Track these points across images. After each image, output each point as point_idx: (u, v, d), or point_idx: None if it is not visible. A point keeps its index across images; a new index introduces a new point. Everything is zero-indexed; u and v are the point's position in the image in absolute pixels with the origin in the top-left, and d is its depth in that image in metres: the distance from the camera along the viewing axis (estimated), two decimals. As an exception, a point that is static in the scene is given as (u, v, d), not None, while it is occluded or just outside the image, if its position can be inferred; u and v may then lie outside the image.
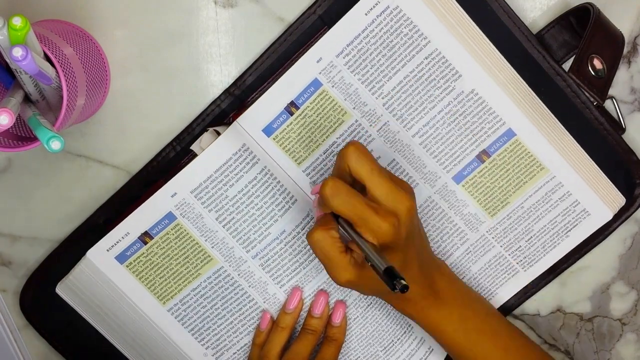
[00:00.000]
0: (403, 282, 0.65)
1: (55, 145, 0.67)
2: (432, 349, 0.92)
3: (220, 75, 0.87)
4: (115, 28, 0.85)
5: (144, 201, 0.85)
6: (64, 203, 0.90)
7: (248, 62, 0.86)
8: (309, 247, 0.86)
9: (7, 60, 0.71)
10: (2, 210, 0.90)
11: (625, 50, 0.86)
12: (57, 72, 0.70)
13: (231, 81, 0.87)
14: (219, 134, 0.84)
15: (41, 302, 0.91)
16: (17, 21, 0.65)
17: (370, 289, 0.78)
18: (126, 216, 0.85)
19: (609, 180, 0.87)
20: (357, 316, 0.89)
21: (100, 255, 0.86)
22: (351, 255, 0.74)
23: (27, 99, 0.77)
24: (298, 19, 0.84)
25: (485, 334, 0.84)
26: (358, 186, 0.74)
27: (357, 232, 0.72)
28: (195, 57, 0.86)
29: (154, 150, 0.88)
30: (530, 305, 0.94)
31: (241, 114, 0.85)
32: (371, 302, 0.89)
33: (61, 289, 0.88)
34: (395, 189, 0.72)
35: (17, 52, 0.64)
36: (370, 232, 0.71)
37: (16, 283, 0.92)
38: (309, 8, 0.84)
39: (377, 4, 0.82)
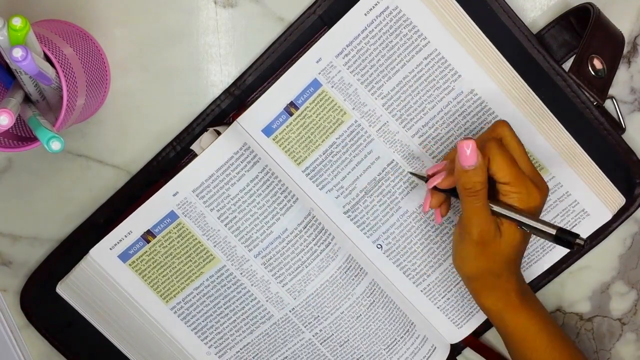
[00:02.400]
0: (581, 240, 0.69)
1: (55, 145, 0.67)
2: (435, 347, 0.91)
3: (220, 75, 0.86)
4: (115, 28, 0.84)
5: (144, 201, 0.85)
6: (64, 203, 0.89)
7: (248, 62, 0.86)
8: (311, 245, 0.86)
9: (7, 61, 0.70)
10: (2, 210, 0.89)
11: (625, 50, 0.86)
12: (57, 72, 0.70)
13: (231, 81, 0.86)
14: (219, 133, 0.84)
15: (42, 301, 0.90)
16: (17, 21, 0.65)
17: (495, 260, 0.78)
18: (127, 216, 0.85)
19: (608, 180, 0.87)
20: (360, 314, 0.88)
21: (103, 253, 0.86)
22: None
23: (27, 99, 0.76)
24: (298, 18, 0.84)
25: (566, 345, 0.83)
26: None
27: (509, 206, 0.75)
28: (195, 57, 0.86)
29: (154, 150, 0.87)
30: (531, 305, 0.93)
31: (241, 114, 0.85)
32: (374, 301, 0.88)
33: (62, 289, 0.88)
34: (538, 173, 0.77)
35: (17, 52, 0.63)
36: (525, 196, 0.74)
37: (17, 283, 0.91)
38: (309, 8, 0.84)
39: (376, 4, 0.82)
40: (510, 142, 0.76)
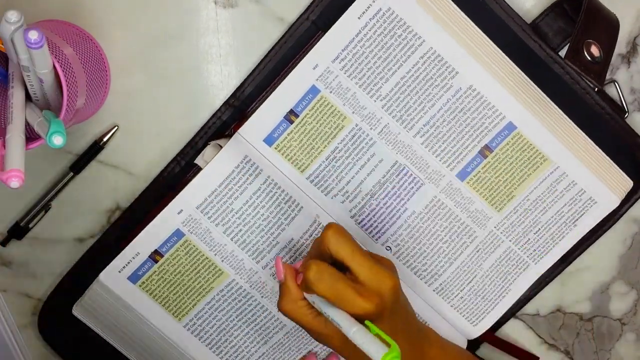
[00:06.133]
0: None
1: (58, 140, 0.63)
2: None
3: (221, 76, 0.84)
4: (115, 28, 0.82)
5: (151, 219, 0.82)
6: (64, 203, 0.86)
7: (248, 64, 0.83)
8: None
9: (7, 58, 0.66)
10: (2, 210, 0.86)
11: (625, 50, 0.85)
12: (57, 72, 0.67)
13: (231, 82, 0.84)
14: (221, 146, 0.81)
15: (59, 324, 0.88)
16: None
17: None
18: (136, 234, 0.83)
19: (614, 165, 0.84)
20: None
21: (113, 276, 0.83)
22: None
23: (27, 98, 0.73)
24: (292, 25, 0.82)
25: None
26: (338, 264, 0.71)
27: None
28: (195, 58, 0.83)
29: (154, 150, 0.85)
30: (530, 305, 0.91)
31: (242, 124, 0.82)
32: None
33: (77, 311, 0.86)
34: (378, 269, 0.69)
35: (33, 35, 0.59)
36: (352, 311, 0.68)
37: (17, 283, 0.88)
38: (303, 14, 0.81)
39: (369, 7, 0.80)
40: (337, 254, 0.70)
